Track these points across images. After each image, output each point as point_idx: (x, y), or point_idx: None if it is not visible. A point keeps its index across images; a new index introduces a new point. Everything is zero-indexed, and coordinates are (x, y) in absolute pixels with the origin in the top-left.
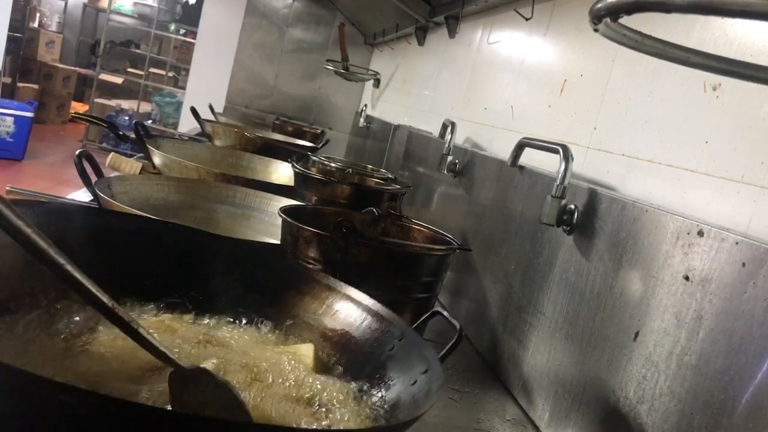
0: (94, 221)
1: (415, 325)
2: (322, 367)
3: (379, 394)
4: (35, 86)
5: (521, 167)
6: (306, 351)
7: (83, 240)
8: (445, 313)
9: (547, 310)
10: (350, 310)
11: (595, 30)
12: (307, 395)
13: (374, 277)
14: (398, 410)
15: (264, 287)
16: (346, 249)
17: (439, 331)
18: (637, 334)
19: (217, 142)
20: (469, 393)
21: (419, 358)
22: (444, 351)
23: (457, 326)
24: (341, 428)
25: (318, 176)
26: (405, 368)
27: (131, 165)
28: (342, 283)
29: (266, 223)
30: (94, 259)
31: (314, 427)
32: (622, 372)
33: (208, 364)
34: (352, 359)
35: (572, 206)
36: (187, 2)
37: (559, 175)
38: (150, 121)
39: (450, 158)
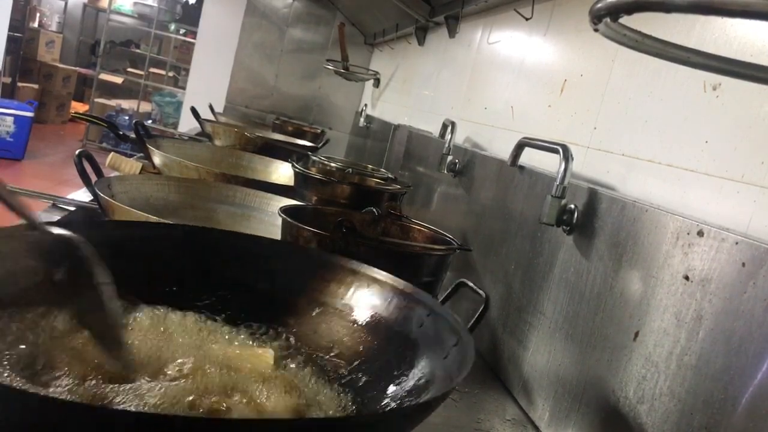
0: (108, 232)
1: (441, 299)
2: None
3: (413, 371)
4: (35, 86)
5: (521, 167)
6: (265, 356)
7: (105, 251)
8: (471, 283)
9: (547, 310)
10: (376, 291)
11: (595, 30)
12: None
13: None
14: (432, 384)
15: (287, 279)
16: (346, 249)
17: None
18: (637, 334)
19: (217, 142)
20: (469, 393)
21: (449, 331)
22: (472, 321)
23: (483, 295)
24: (383, 410)
25: (318, 176)
26: (436, 343)
27: (131, 165)
28: (365, 265)
29: (266, 223)
30: (114, 268)
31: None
32: (622, 372)
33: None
34: (383, 339)
35: (572, 206)
36: (187, 2)
37: (559, 175)
38: (150, 121)
39: (450, 158)
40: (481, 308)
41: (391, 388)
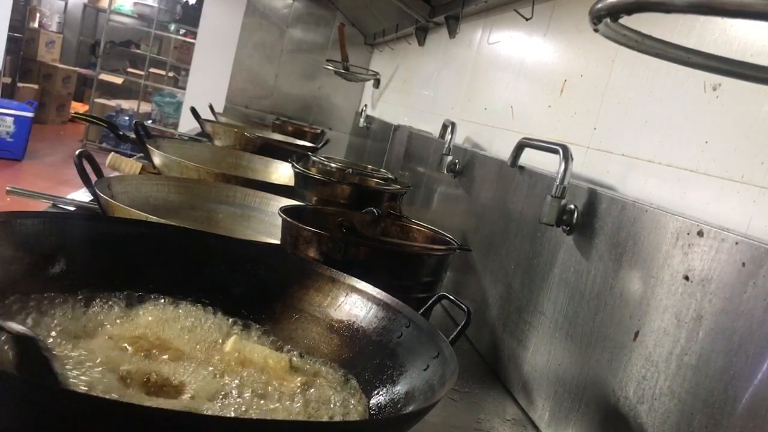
0: (97, 228)
1: (421, 311)
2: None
3: (392, 382)
4: (35, 86)
5: (521, 167)
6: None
7: (88, 246)
8: (452, 297)
9: (547, 310)
10: (355, 300)
11: (595, 30)
12: (317, 387)
13: (374, 277)
14: (413, 397)
15: (267, 284)
16: (346, 249)
17: (442, 323)
18: (637, 334)
19: (217, 142)
20: (469, 393)
21: (429, 343)
22: (454, 334)
23: (465, 309)
24: (358, 419)
25: (318, 176)
26: (415, 354)
27: (131, 165)
28: (345, 275)
29: (266, 223)
30: (99, 263)
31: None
32: (622, 372)
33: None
34: (361, 349)
35: (572, 206)
36: (187, 2)
37: (559, 175)
38: (150, 121)
39: (450, 158)
40: (464, 321)
41: (371, 398)
